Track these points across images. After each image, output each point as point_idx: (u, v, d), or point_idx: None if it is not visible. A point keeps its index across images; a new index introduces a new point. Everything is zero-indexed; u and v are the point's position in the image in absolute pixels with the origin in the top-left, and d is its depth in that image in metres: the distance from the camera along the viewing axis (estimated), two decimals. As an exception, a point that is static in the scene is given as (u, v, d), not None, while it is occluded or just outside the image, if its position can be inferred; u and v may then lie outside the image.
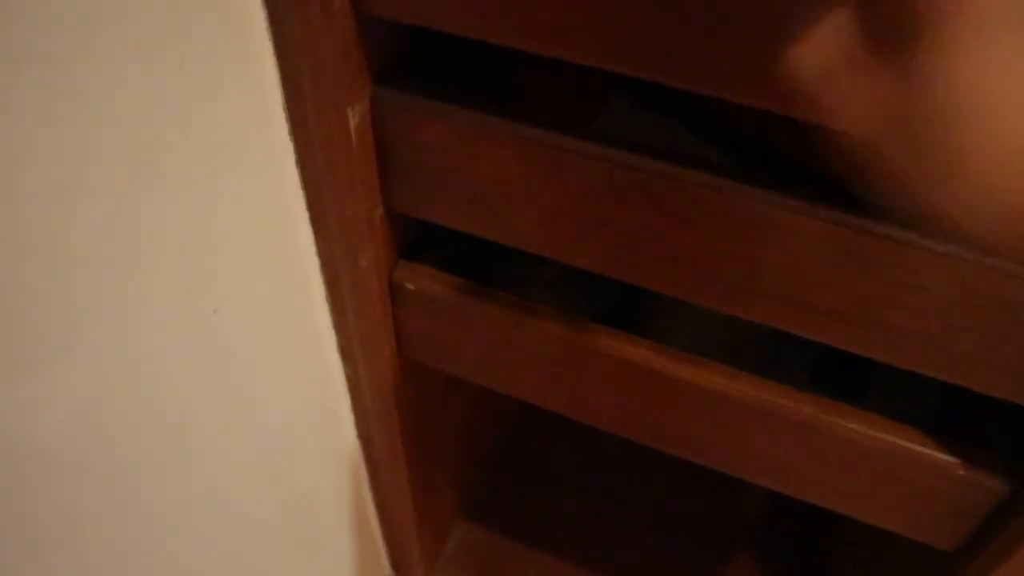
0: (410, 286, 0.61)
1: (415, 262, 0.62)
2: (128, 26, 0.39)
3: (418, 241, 0.63)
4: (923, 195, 0.24)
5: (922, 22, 0.22)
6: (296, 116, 0.51)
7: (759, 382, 0.54)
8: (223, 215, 0.50)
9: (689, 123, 0.56)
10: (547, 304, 0.58)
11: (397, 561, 0.99)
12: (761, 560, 1.01)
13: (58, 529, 0.45)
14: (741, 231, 0.46)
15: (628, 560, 1.02)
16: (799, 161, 0.46)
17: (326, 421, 0.73)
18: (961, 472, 0.50)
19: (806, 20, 0.25)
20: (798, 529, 1.01)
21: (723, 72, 0.40)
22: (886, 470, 0.53)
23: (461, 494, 1.04)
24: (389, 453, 0.78)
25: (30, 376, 0.39)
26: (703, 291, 0.51)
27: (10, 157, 0.35)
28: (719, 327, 0.61)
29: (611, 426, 0.61)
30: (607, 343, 0.56)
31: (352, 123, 0.51)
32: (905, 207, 0.27)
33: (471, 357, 0.64)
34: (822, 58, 0.26)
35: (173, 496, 0.54)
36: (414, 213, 0.57)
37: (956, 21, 0.21)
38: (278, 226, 0.56)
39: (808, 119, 0.36)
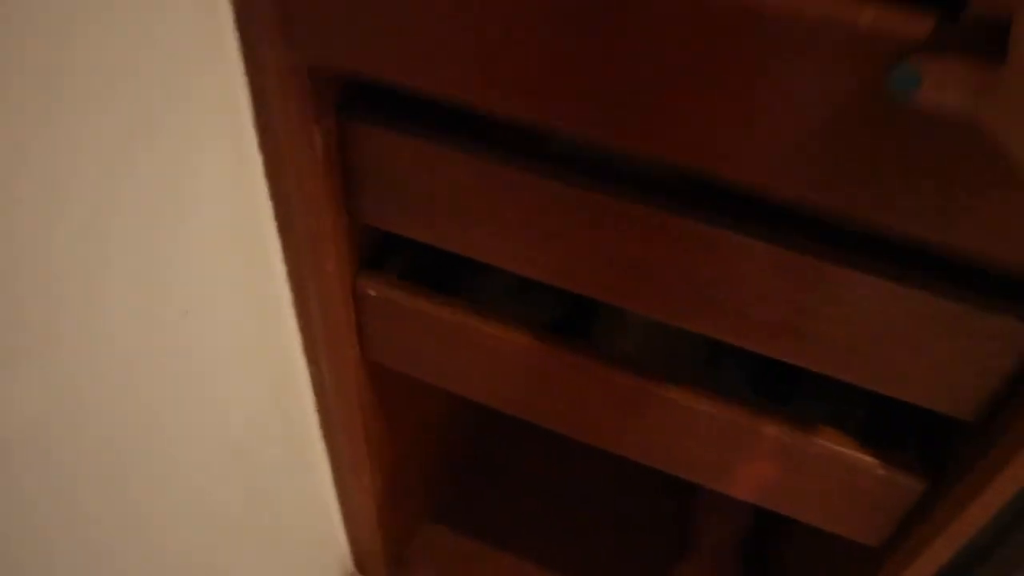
0: (372, 292, 0.64)
1: (378, 270, 0.65)
2: (105, 41, 0.41)
3: (382, 249, 0.66)
4: None
5: None
6: (265, 131, 0.54)
7: (693, 388, 0.57)
8: (194, 223, 0.53)
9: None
10: (504, 310, 0.62)
11: (361, 561, 1.01)
12: (719, 562, 1.04)
13: (24, 521, 0.47)
14: (681, 247, 0.50)
15: (591, 562, 1.05)
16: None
17: (291, 421, 0.76)
18: (881, 472, 0.54)
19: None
20: (751, 530, 1.05)
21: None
22: (812, 470, 0.57)
23: (425, 495, 1.07)
24: (352, 453, 0.81)
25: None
26: (647, 303, 0.54)
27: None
28: (665, 332, 0.65)
29: (557, 425, 0.65)
30: (553, 348, 0.60)
31: (319, 140, 0.54)
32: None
33: (429, 360, 0.67)
34: None
35: (136, 492, 0.57)
36: (377, 224, 0.60)
37: None
38: (247, 234, 0.59)
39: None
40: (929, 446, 0.55)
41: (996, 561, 0.55)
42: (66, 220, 0.43)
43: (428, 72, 0.46)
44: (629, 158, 0.48)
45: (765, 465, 0.58)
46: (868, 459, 0.54)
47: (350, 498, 0.89)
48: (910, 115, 0.37)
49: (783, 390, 0.63)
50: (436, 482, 1.09)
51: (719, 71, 0.39)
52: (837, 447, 0.55)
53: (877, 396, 0.52)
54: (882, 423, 0.59)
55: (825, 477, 0.57)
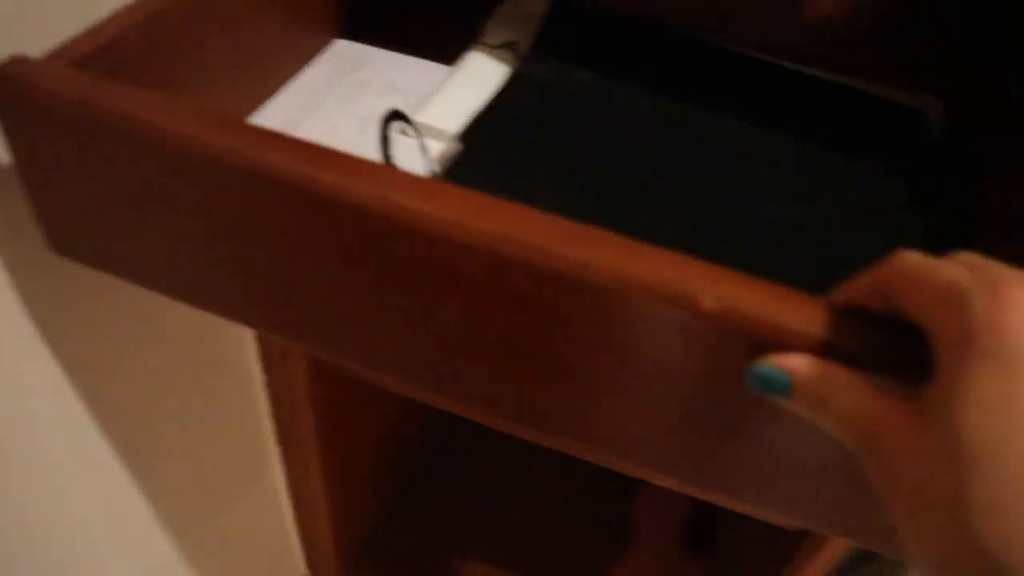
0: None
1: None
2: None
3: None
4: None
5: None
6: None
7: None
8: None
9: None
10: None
11: (312, 561, 1.04)
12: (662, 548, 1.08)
13: None
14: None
15: (539, 558, 1.09)
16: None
17: (243, 423, 0.79)
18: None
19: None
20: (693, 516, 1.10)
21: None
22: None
23: (378, 496, 1.10)
24: (303, 453, 0.84)
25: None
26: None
27: None
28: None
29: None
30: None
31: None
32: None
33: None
34: None
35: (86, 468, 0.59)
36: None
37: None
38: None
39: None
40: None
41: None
42: None
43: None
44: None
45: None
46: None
47: (303, 500, 0.92)
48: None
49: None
50: (388, 483, 1.12)
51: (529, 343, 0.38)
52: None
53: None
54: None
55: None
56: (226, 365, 0.71)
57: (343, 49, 0.64)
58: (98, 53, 0.43)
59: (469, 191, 0.35)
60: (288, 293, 0.42)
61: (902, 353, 0.30)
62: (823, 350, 0.31)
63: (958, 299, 0.26)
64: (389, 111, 0.49)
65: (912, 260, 0.29)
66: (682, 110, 0.57)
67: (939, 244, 0.50)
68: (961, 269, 0.27)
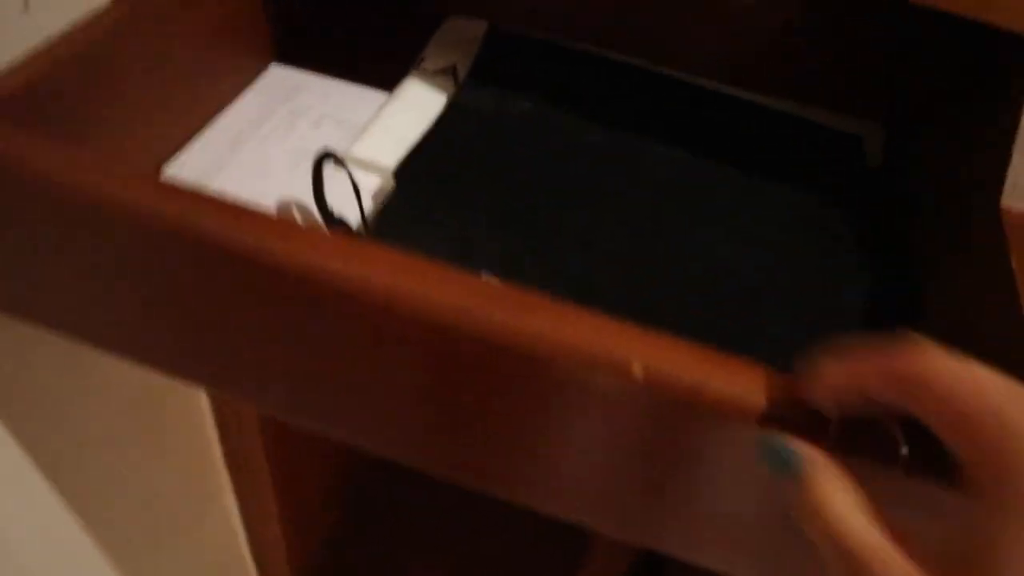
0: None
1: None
2: None
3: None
4: None
5: None
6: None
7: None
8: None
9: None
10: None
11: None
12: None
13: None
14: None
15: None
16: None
17: (194, 450, 0.77)
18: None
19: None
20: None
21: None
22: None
23: (332, 519, 1.09)
24: (255, 476, 0.82)
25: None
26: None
27: None
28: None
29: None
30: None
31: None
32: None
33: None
34: None
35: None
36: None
37: None
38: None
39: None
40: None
41: None
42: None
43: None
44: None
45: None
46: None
47: (255, 524, 0.91)
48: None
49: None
50: (341, 507, 1.11)
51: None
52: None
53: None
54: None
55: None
56: (173, 393, 0.70)
57: (278, 75, 0.62)
58: (10, 98, 0.41)
59: (391, 250, 0.34)
60: (207, 345, 0.41)
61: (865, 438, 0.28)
62: (763, 422, 0.31)
63: (1006, 437, 0.22)
64: (321, 151, 0.48)
65: (940, 364, 0.25)
66: (620, 140, 0.57)
67: (877, 282, 0.50)
68: (1001, 386, 0.24)
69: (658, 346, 0.32)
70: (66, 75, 0.45)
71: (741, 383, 0.31)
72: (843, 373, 0.27)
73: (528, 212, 0.50)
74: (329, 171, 0.48)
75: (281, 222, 0.35)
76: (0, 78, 0.42)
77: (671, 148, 0.57)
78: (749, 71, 0.64)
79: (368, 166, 0.54)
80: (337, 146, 0.56)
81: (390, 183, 0.51)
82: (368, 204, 0.52)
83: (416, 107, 0.58)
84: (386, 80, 0.62)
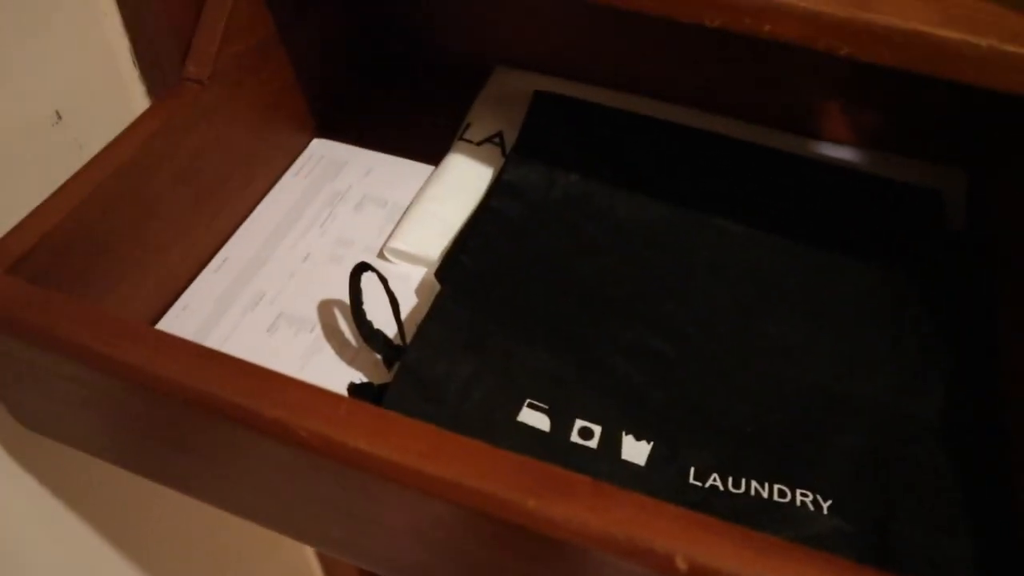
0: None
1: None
2: None
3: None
4: None
5: None
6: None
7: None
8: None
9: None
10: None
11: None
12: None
13: None
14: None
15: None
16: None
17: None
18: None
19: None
20: None
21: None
22: None
23: None
24: None
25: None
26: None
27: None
28: None
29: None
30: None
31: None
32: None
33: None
34: None
35: None
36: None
37: None
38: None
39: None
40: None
41: None
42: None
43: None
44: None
45: None
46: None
47: None
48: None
49: None
50: None
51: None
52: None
53: None
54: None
55: None
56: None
57: (320, 151, 0.60)
58: (32, 252, 0.40)
59: (416, 427, 0.32)
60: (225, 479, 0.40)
61: None
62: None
63: None
64: (357, 265, 0.46)
65: None
66: (675, 216, 0.53)
67: (954, 383, 0.45)
68: None
69: (702, 535, 0.30)
70: (104, 199, 0.44)
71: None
72: None
73: (575, 316, 0.47)
74: (368, 278, 0.47)
75: (305, 392, 0.34)
76: (48, 207, 0.42)
77: (730, 221, 0.53)
78: (810, 116, 0.59)
79: (410, 258, 0.52)
80: (381, 231, 0.54)
81: (432, 280, 0.49)
82: (412, 299, 0.51)
83: (459, 187, 0.55)
84: (434, 145, 0.59)
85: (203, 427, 0.36)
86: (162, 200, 0.47)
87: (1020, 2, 0.36)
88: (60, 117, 0.51)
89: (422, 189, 0.56)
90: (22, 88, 0.47)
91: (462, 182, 0.56)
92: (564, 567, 0.33)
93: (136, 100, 0.55)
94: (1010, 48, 0.34)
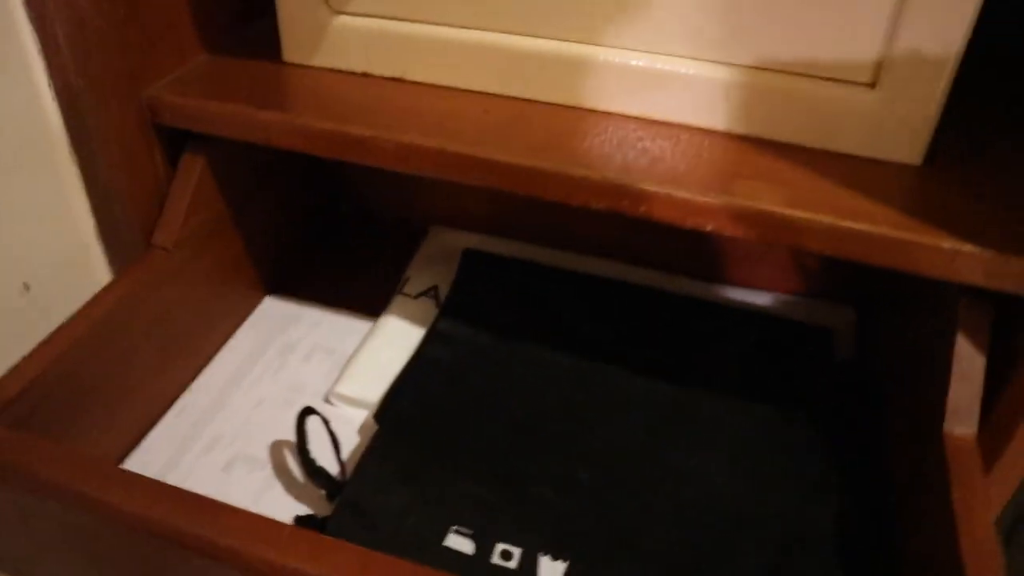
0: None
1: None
2: None
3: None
4: None
5: None
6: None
7: None
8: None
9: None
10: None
11: None
12: None
13: None
14: None
15: None
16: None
17: None
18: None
19: None
20: None
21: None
22: None
23: None
24: None
25: None
26: None
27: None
28: None
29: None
30: None
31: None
32: None
33: None
34: None
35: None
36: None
37: None
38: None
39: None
40: None
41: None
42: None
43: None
44: None
45: None
46: None
47: None
48: None
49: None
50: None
51: None
52: None
53: None
54: None
55: None
56: None
57: (271, 308, 0.67)
58: (14, 400, 0.46)
59: (349, 549, 0.38)
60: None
61: None
62: None
63: None
64: (302, 409, 0.52)
65: None
66: (595, 360, 0.60)
67: (844, 502, 0.52)
68: None
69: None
70: (81, 352, 0.49)
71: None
72: None
73: (504, 449, 0.53)
74: (313, 420, 0.52)
75: (257, 523, 0.39)
76: (30, 359, 0.47)
77: (643, 360, 0.60)
78: (717, 264, 0.68)
79: (352, 402, 0.58)
80: (328, 376, 0.60)
81: (372, 421, 0.55)
82: (355, 439, 0.56)
83: (397, 337, 0.62)
84: (377, 299, 0.66)
85: (167, 557, 0.41)
86: (133, 352, 0.53)
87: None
88: (28, 288, 0.57)
89: (364, 339, 0.63)
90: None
91: (400, 332, 0.62)
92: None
93: (99, 270, 0.61)
94: (846, 224, 0.42)
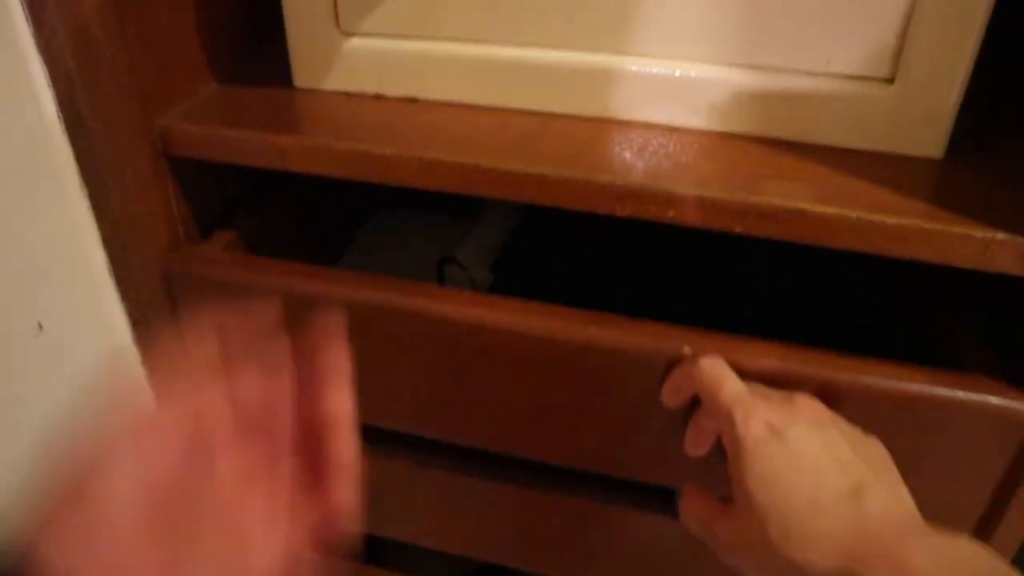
0: None
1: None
2: None
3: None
4: None
5: None
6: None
7: None
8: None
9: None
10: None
11: None
12: None
13: None
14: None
15: None
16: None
17: None
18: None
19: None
20: None
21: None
22: None
23: None
24: None
25: None
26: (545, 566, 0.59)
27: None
28: None
29: None
30: None
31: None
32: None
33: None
34: None
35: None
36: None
37: None
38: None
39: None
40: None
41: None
42: None
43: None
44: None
45: None
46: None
47: None
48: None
49: None
50: None
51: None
52: None
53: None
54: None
55: None
56: None
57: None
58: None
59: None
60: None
61: None
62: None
63: (727, 416, 0.40)
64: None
65: (704, 372, 0.43)
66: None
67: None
68: (738, 385, 0.42)
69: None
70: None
71: None
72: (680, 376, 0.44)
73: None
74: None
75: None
76: None
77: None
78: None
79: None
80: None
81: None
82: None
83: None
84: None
85: None
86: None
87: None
88: (42, 328, 0.56)
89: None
90: (7, 304, 0.52)
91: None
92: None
93: (112, 306, 0.60)
94: (875, 217, 0.42)
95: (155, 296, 0.55)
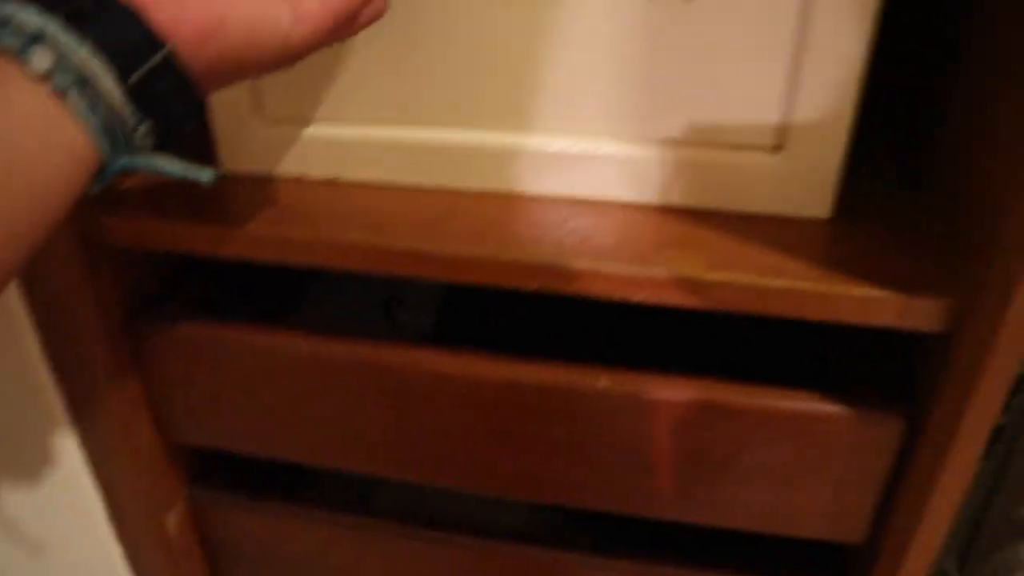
0: None
1: None
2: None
3: None
4: None
5: None
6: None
7: None
8: None
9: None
10: None
11: None
12: None
13: None
14: None
15: None
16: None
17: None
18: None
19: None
20: None
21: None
22: None
23: None
24: None
25: None
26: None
27: None
28: None
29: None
30: None
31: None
32: None
33: None
34: None
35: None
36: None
37: None
38: None
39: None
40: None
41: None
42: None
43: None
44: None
45: None
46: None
47: None
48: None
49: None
50: None
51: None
52: None
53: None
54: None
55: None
56: None
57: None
58: None
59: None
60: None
61: None
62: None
63: None
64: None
65: None
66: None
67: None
68: None
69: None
70: None
71: None
72: None
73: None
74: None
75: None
76: None
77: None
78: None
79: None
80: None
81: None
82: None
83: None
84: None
85: None
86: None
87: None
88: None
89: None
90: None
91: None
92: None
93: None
94: (763, 282, 0.45)
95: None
